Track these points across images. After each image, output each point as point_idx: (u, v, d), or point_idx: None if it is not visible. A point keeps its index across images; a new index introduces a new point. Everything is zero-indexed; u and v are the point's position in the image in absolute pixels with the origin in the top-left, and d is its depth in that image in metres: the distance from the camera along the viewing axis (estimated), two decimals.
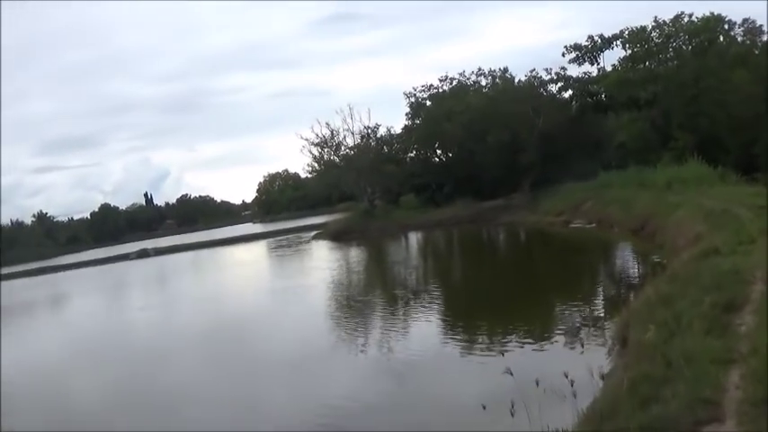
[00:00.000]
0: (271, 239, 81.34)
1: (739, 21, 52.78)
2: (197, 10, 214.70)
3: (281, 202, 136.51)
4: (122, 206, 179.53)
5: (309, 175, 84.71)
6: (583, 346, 14.72)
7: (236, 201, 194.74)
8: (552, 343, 16.76)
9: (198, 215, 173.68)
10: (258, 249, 72.20)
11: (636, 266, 28.92)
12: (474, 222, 56.32)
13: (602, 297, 23.42)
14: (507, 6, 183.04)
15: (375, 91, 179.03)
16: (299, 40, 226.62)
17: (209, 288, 43.11)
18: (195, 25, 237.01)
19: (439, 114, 64.30)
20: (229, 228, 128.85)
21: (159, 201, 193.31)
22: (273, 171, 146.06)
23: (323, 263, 45.40)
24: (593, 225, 41.35)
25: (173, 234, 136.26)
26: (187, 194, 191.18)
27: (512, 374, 8.16)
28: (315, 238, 68.81)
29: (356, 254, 51.48)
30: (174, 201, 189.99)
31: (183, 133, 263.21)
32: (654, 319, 11.76)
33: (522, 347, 16.55)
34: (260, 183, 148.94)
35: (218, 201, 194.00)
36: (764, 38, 50.79)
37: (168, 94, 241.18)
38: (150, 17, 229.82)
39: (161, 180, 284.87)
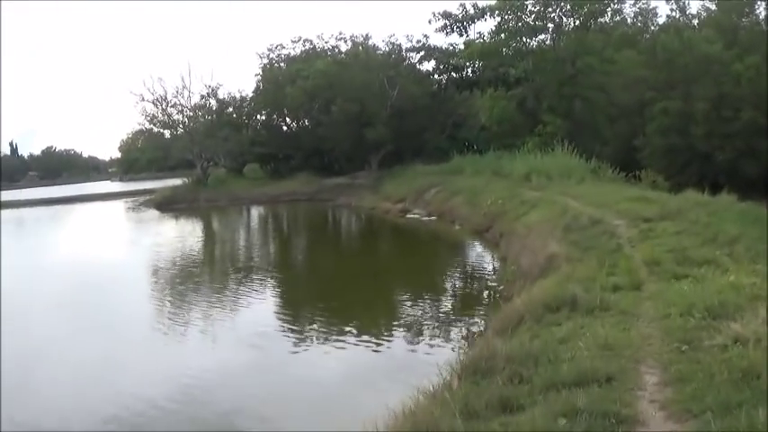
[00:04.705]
0: (120, 200, 72.53)
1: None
2: None
3: (142, 161, 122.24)
4: None
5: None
6: None
7: (105, 157, 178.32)
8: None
9: (62, 169, 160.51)
10: (91, 212, 62.99)
11: (458, 290, 19.51)
12: (311, 201, 49.60)
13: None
14: None
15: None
16: None
17: None
18: None
19: (284, 78, 54.62)
20: (88, 185, 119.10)
21: (25, 152, 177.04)
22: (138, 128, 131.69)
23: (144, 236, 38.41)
24: (433, 218, 33.48)
25: (34, 186, 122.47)
26: (52, 147, 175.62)
27: None
28: (142, 205, 60.27)
29: (177, 227, 43.46)
30: (40, 152, 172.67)
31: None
32: None
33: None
34: (122, 140, 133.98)
35: (87, 156, 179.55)
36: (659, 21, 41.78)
37: None
38: None
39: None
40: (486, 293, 17.02)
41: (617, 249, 13.28)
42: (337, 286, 20.57)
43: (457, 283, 20.54)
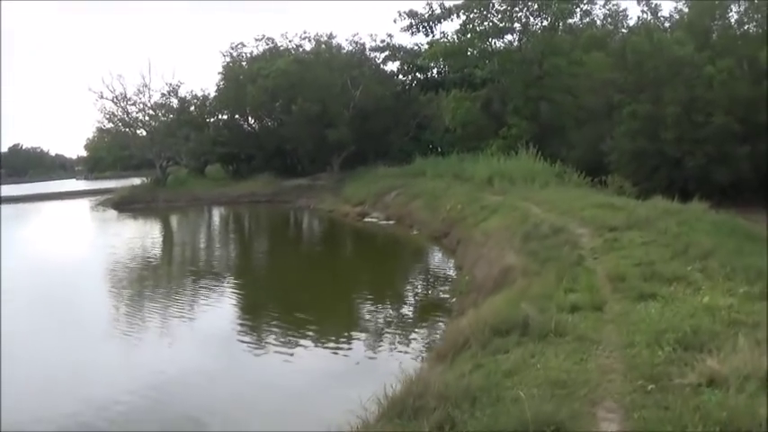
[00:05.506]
0: (84, 199, 70.14)
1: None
2: None
3: (107, 159, 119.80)
4: None
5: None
6: None
7: (72, 155, 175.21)
8: None
9: (29, 167, 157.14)
10: (54, 210, 61.15)
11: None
12: (270, 202, 48.28)
13: None
14: None
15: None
16: None
17: None
18: None
19: (245, 76, 53.35)
20: (53, 183, 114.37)
21: None
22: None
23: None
24: (392, 222, 32.22)
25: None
26: (19, 144, 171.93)
27: None
28: (101, 204, 58.40)
29: (134, 228, 42.44)
30: (6, 149, 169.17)
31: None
32: None
33: None
34: (88, 138, 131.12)
35: (54, 154, 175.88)
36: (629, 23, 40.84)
37: None
38: None
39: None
40: (435, 308, 15.69)
41: (578, 262, 12.01)
42: (287, 292, 19.62)
43: (406, 294, 18.99)
